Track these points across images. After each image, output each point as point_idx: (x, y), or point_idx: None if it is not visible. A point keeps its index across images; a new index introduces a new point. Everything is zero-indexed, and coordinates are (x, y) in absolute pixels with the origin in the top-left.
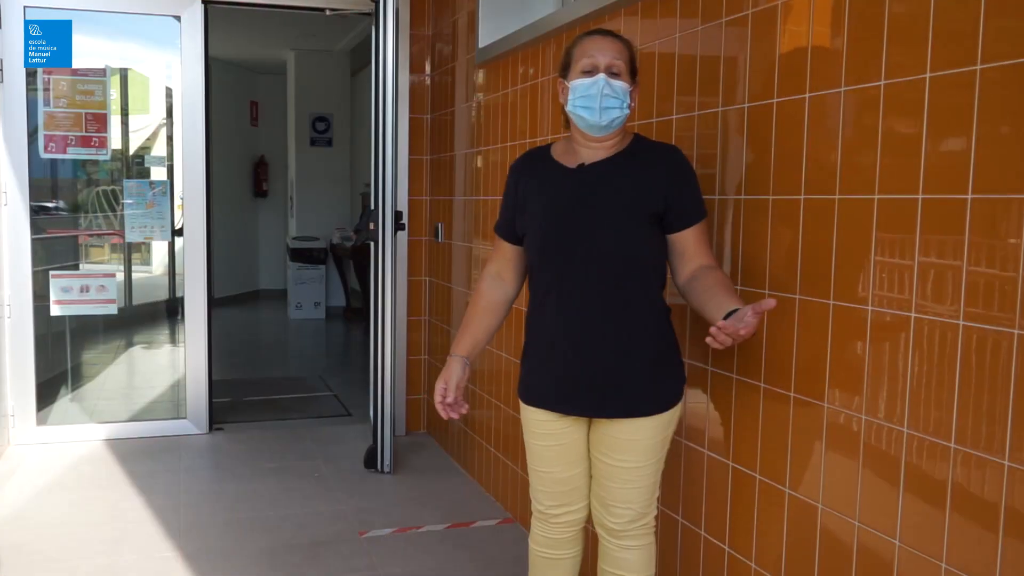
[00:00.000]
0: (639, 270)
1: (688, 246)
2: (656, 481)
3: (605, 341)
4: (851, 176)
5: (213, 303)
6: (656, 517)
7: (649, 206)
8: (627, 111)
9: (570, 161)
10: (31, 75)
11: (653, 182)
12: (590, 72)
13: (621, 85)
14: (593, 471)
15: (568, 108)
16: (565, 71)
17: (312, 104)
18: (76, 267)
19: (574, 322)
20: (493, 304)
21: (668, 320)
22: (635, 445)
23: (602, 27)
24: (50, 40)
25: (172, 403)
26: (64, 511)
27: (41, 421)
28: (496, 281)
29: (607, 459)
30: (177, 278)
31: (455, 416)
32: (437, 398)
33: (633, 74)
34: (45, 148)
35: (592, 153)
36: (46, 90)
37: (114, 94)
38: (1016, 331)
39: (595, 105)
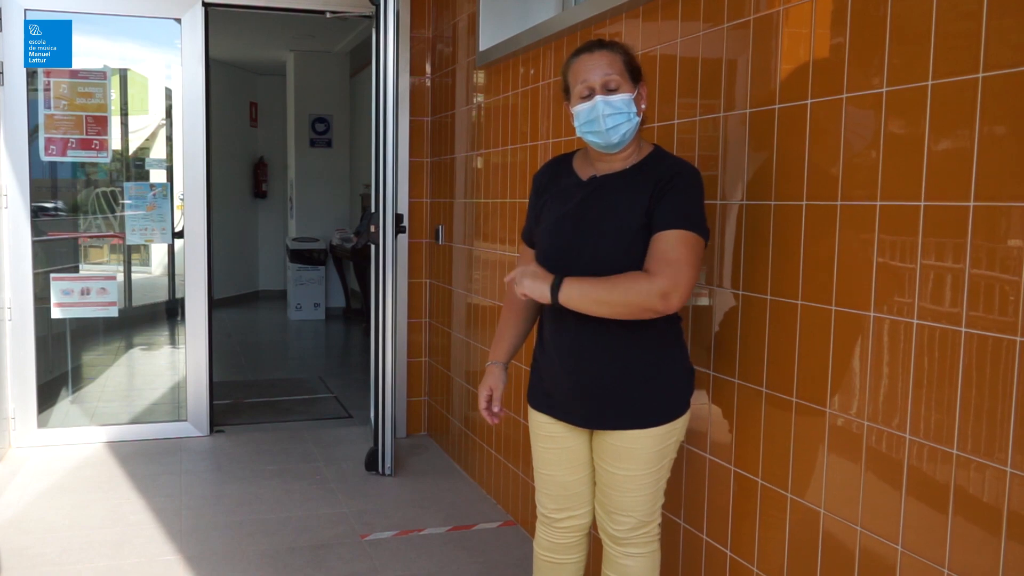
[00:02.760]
0: None
1: (654, 249)
2: (658, 490)
3: (601, 352)
4: (853, 182)
5: (213, 304)
6: (660, 525)
7: (643, 218)
8: (636, 119)
9: (585, 172)
10: (31, 76)
11: (648, 194)
12: (587, 97)
13: (621, 97)
14: (596, 478)
15: (578, 134)
16: (567, 95)
17: (311, 105)
18: (76, 269)
19: (571, 333)
20: (522, 307)
21: (674, 332)
22: (634, 454)
23: (591, 39)
24: (50, 40)
25: (173, 405)
26: (65, 514)
27: (42, 423)
28: None
29: (608, 467)
30: (177, 279)
31: (498, 421)
32: (482, 404)
33: (636, 75)
34: (45, 151)
35: (606, 166)
36: (46, 91)
37: (113, 95)
38: (1019, 337)
39: (600, 128)
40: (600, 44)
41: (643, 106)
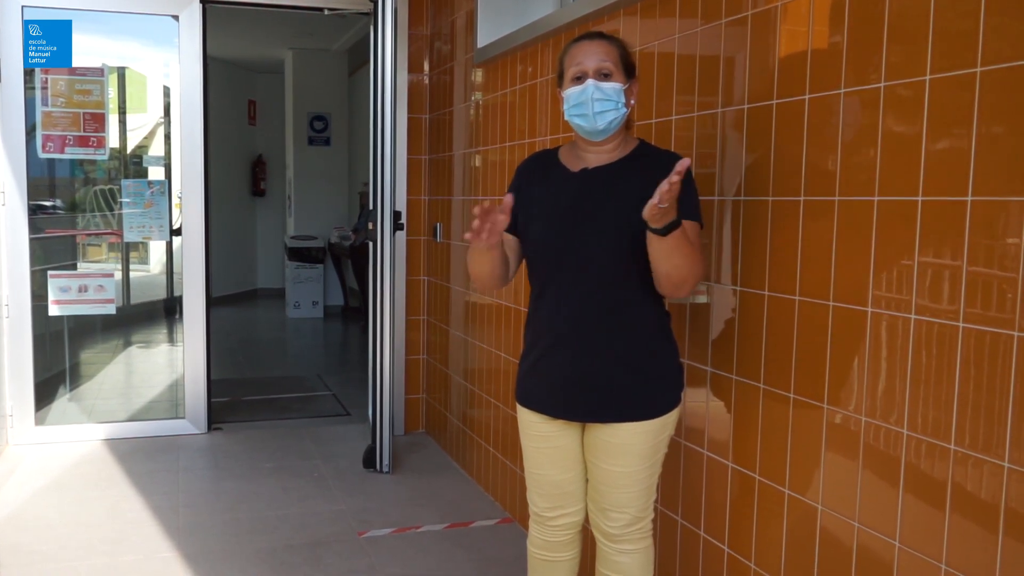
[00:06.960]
0: (635, 276)
1: None
2: (652, 485)
3: (597, 346)
4: (851, 178)
5: (211, 302)
6: (654, 520)
7: (640, 210)
8: (624, 110)
9: (574, 165)
10: (29, 73)
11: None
12: (580, 79)
13: (612, 86)
14: (588, 475)
15: (566, 117)
16: (560, 80)
17: (310, 103)
18: (74, 267)
19: (567, 326)
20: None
21: (667, 327)
22: (628, 450)
23: (591, 30)
24: (50, 40)
25: (170, 403)
26: (63, 511)
27: (39, 421)
28: None
29: (601, 464)
30: (175, 277)
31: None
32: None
33: (630, 71)
34: (43, 148)
35: (595, 158)
36: (44, 89)
37: (111, 92)
38: (1016, 332)
39: (588, 111)
40: (600, 35)
41: (632, 101)
